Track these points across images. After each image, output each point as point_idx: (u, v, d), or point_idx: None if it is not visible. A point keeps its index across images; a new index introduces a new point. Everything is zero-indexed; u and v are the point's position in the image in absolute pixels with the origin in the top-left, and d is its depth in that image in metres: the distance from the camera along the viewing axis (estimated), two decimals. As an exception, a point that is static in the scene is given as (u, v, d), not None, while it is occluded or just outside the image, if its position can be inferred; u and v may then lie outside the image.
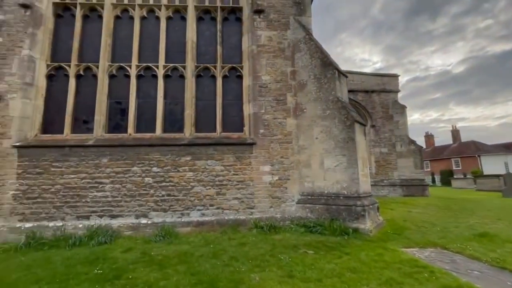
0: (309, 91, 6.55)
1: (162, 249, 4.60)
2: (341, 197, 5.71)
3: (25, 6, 6.58)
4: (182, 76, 6.99)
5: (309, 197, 6.22)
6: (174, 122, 6.85)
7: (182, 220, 6.02)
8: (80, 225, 5.81)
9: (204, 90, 7.08)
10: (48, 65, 6.73)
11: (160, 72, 6.91)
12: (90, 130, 6.62)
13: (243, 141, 6.51)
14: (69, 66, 6.78)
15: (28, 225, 5.76)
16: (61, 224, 5.79)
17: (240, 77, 7.11)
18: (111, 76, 6.89)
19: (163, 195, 6.13)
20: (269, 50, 6.94)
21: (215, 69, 7.05)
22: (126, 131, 6.64)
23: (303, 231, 5.47)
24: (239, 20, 7.44)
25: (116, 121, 6.80)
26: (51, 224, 5.79)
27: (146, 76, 6.96)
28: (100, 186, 6.07)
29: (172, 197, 6.14)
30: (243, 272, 3.40)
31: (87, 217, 5.94)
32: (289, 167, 6.46)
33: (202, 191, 6.22)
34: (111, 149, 6.24)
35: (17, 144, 6.04)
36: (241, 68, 7.09)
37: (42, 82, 6.63)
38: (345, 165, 5.78)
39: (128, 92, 6.80)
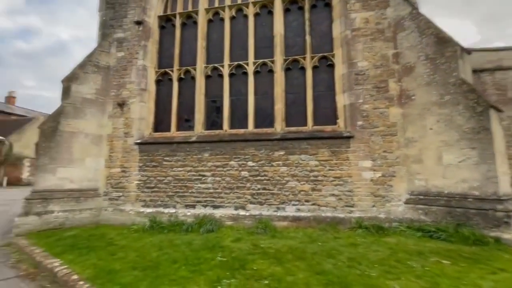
0: (419, 75, 5.65)
1: (269, 242, 4.66)
2: (470, 199, 4.74)
3: (138, 23, 7.63)
4: (271, 71, 6.99)
5: (421, 197, 5.40)
6: (264, 117, 6.93)
7: (278, 214, 6.05)
8: (188, 213, 6.46)
9: (293, 83, 6.92)
10: (156, 72, 7.69)
11: (250, 69, 7.07)
12: (191, 127, 7.29)
13: (338, 134, 6.10)
14: (172, 71, 7.60)
15: (148, 210, 6.73)
16: (173, 211, 6.57)
17: (331, 66, 6.67)
18: (207, 77, 7.41)
19: (258, 189, 6.28)
20: (366, 33, 6.28)
21: (304, 60, 6.80)
22: (222, 128, 7.06)
23: (419, 235, 4.78)
24: (328, 5, 6.96)
25: (213, 119, 7.30)
26: (166, 210, 6.63)
27: (237, 74, 7.23)
28: (203, 178, 6.62)
29: (267, 191, 6.23)
30: (375, 277, 3.09)
31: (193, 206, 6.57)
32: (394, 162, 5.75)
33: (297, 186, 6.11)
34: (211, 144, 6.72)
35: (138, 141, 7.10)
36: (333, 57, 6.64)
37: (152, 87, 7.62)
38: (475, 160, 4.76)
39: (222, 91, 7.20)
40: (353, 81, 6.18)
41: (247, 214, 6.19)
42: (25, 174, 28.39)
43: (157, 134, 7.36)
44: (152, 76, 7.62)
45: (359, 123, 6.01)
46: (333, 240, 4.71)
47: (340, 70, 6.47)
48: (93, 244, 5.09)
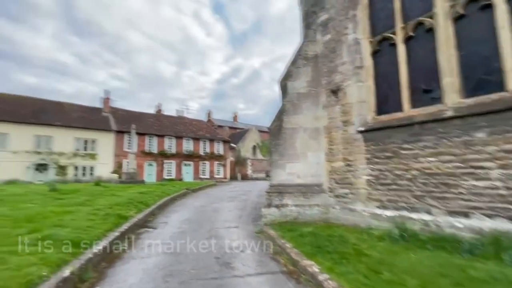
0: None
1: None
2: None
3: (342, -6, 6.57)
4: None
5: None
6: None
7: None
8: (458, 224, 4.30)
9: None
10: (370, 42, 6.22)
11: None
12: (435, 100, 5.07)
13: None
14: (393, 33, 5.78)
15: (388, 213, 5.29)
16: (429, 218, 4.67)
17: None
18: (456, 19, 4.90)
19: None
20: None
21: None
22: (499, 88, 4.27)
23: None
24: None
25: (477, 78, 4.65)
26: (414, 216, 4.88)
27: (527, -11, 4.14)
28: (480, 172, 4.20)
29: None
30: None
31: (465, 214, 4.32)
32: None
33: None
34: (487, 118, 4.18)
35: (361, 129, 5.93)
36: None
37: (368, 62, 6.21)
38: None
39: (490, 30, 4.41)
40: None
41: None
42: (249, 171, 37.86)
43: (384, 117, 5.81)
44: (366, 48, 6.24)
45: None
46: None
47: None
48: (340, 249, 4.37)
